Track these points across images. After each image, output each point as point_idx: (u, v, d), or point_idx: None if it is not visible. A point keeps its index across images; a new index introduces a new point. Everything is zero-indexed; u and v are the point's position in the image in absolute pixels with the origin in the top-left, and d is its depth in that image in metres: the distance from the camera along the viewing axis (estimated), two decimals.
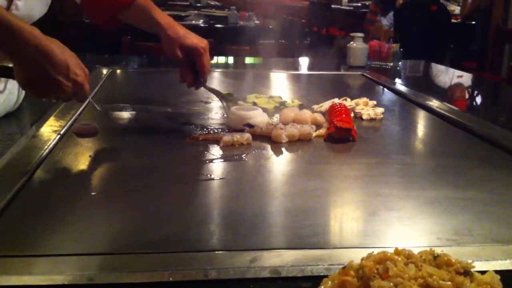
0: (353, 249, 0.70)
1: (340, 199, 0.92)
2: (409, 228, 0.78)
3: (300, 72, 2.33)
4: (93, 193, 0.89)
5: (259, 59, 2.81)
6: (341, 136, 1.20)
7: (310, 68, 2.49)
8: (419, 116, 1.54)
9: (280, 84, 2.04)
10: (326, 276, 0.54)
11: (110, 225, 0.78)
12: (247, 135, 1.16)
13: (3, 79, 1.26)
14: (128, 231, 0.75)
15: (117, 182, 0.96)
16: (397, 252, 0.54)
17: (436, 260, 0.53)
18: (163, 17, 1.36)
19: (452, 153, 1.18)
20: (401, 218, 0.81)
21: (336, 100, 1.50)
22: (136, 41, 2.95)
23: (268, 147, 1.15)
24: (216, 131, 1.25)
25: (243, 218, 0.80)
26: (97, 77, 1.86)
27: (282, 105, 1.52)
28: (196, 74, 1.34)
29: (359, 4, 6.99)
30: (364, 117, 1.41)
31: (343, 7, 7.13)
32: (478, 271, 0.53)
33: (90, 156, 1.06)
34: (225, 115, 1.37)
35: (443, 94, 2.02)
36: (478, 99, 2.04)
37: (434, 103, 1.56)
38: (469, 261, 0.53)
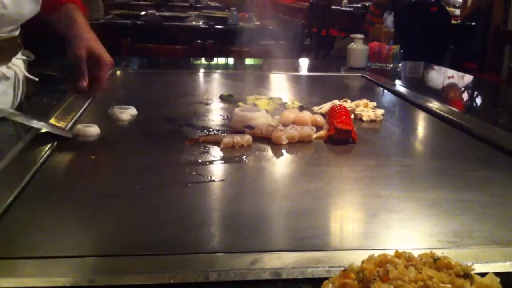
0: (353, 251, 0.70)
1: (340, 201, 0.92)
2: (409, 230, 0.79)
3: (300, 73, 2.33)
4: (93, 195, 0.89)
5: (259, 60, 2.81)
6: (341, 137, 1.20)
7: (310, 69, 2.49)
8: (419, 118, 1.54)
9: (280, 85, 2.04)
10: (326, 278, 0.54)
11: (110, 227, 0.78)
12: (247, 137, 1.16)
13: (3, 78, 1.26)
14: (129, 233, 0.75)
15: (117, 183, 0.96)
16: (398, 254, 0.54)
17: (436, 263, 0.53)
18: (81, 18, 1.29)
19: (452, 155, 1.18)
20: (401, 220, 0.81)
21: (336, 102, 1.50)
22: (136, 43, 2.95)
23: (268, 148, 1.15)
24: (216, 132, 1.25)
25: (243, 220, 0.80)
26: None
27: (282, 106, 1.52)
28: (90, 83, 1.22)
29: (359, 5, 6.99)
30: (364, 118, 1.41)
31: (343, 8, 7.12)
32: (478, 273, 0.53)
33: (90, 157, 1.06)
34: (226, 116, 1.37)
35: (443, 95, 2.02)
36: (478, 101, 2.04)
37: (434, 105, 1.56)
38: (469, 263, 0.53)
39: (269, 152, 1.13)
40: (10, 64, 1.31)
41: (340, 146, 1.19)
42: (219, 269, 0.63)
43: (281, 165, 1.08)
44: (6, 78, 1.30)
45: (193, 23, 4.47)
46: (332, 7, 6.85)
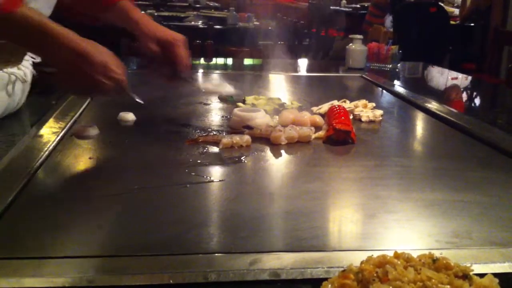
0: (352, 252, 0.70)
1: (339, 202, 0.92)
2: (408, 231, 0.79)
3: (299, 73, 2.34)
4: (92, 195, 0.89)
5: (258, 60, 2.81)
6: (340, 138, 1.20)
7: (309, 70, 2.49)
8: (418, 118, 1.54)
9: (279, 85, 2.04)
10: (325, 279, 0.54)
11: (109, 227, 0.78)
12: (246, 137, 1.16)
13: (12, 81, 1.27)
14: (128, 233, 0.75)
15: (116, 184, 0.96)
16: (397, 255, 0.55)
17: (435, 264, 0.53)
18: (139, 15, 1.35)
19: (450, 155, 1.18)
20: (400, 220, 0.82)
21: (335, 102, 1.50)
22: (135, 43, 2.95)
23: (267, 149, 1.15)
24: (215, 133, 1.25)
25: (242, 220, 0.80)
26: None
27: (281, 107, 1.52)
28: (175, 70, 1.31)
29: (358, 6, 6.99)
30: (363, 119, 1.42)
31: (342, 9, 7.13)
32: (477, 274, 0.53)
33: (89, 158, 1.06)
34: (226, 116, 1.37)
35: (442, 96, 2.03)
36: (477, 101, 2.04)
37: (433, 105, 1.57)
38: (468, 264, 0.53)
39: (268, 152, 1.13)
40: (20, 66, 1.32)
41: (339, 146, 1.19)
42: (218, 269, 0.63)
43: (280, 166, 1.08)
44: (18, 79, 1.31)
45: (192, 23, 4.48)
46: (331, 7, 6.86)
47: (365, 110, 1.46)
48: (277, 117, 1.35)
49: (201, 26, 4.40)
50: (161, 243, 0.72)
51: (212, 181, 0.97)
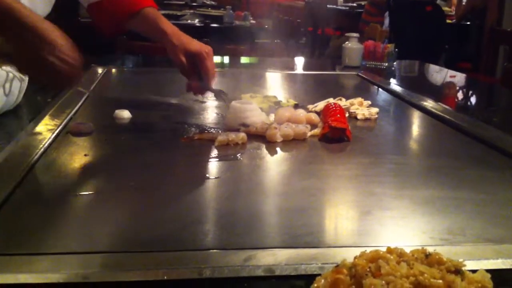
0: (347, 248, 0.71)
1: (334, 199, 0.93)
2: (402, 228, 0.79)
3: (295, 72, 2.34)
4: (87, 192, 0.89)
5: (255, 58, 2.81)
6: (336, 136, 1.20)
7: (305, 68, 2.49)
8: (413, 116, 1.54)
9: (275, 83, 2.05)
10: (319, 275, 0.54)
11: (104, 224, 0.78)
12: (242, 135, 1.16)
13: (9, 79, 1.27)
14: (123, 230, 0.75)
15: (111, 181, 0.96)
16: (390, 250, 0.55)
17: (428, 259, 0.53)
18: (168, 25, 1.38)
19: (445, 153, 1.19)
20: (395, 217, 0.82)
21: (331, 100, 1.51)
22: (131, 41, 2.94)
23: (263, 146, 1.15)
24: (211, 130, 1.25)
25: (237, 217, 0.80)
26: (92, 76, 1.86)
27: (277, 104, 1.52)
28: (201, 80, 1.36)
29: (355, 4, 7.00)
30: (359, 117, 1.42)
31: (338, 7, 7.14)
32: (470, 270, 0.53)
33: (85, 155, 1.06)
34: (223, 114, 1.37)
35: (438, 94, 2.03)
36: (473, 100, 2.05)
37: (429, 104, 1.57)
38: (461, 260, 0.54)
39: (263, 150, 1.13)
40: None
41: (334, 144, 1.20)
42: (213, 265, 0.64)
43: (275, 163, 1.08)
44: (16, 76, 1.31)
45: (189, 21, 4.47)
46: (328, 6, 6.86)
47: (361, 108, 1.47)
48: (273, 114, 1.35)
49: (197, 24, 4.40)
50: (156, 239, 0.72)
51: (208, 178, 0.97)
